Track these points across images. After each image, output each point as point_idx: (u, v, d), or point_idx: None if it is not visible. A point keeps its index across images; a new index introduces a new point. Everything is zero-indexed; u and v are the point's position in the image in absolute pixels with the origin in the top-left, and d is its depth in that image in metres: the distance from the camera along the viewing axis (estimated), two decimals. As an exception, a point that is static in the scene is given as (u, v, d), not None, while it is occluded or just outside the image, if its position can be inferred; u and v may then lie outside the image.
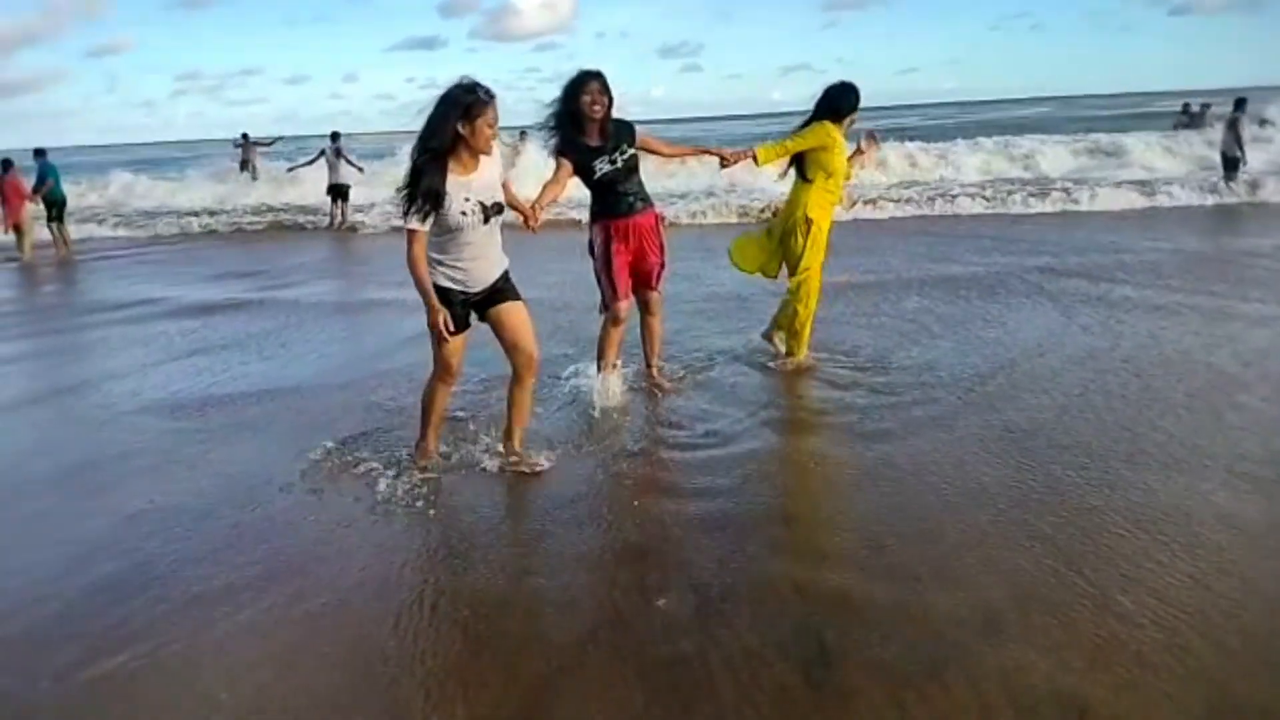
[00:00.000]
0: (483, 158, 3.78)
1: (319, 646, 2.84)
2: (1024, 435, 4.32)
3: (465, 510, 3.84)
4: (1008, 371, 5.35)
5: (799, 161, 5.40)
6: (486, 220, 3.84)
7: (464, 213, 3.75)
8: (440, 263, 3.84)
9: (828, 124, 5.28)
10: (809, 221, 5.34)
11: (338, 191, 15.54)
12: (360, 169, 15.89)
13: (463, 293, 3.92)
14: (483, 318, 4.07)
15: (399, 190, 3.73)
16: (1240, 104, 14.34)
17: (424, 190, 3.64)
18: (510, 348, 4.10)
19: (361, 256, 13.11)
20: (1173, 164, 16.76)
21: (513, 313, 4.06)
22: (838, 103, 5.32)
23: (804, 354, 5.57)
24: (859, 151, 5.69)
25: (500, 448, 4.25)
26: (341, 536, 3.60)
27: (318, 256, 12.99)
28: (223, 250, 14.21)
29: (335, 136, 15.52)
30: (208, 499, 4.03)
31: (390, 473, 4.13)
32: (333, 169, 15.46)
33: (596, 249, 4.97)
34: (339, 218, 15.55)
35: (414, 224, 3.71)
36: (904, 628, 2.79)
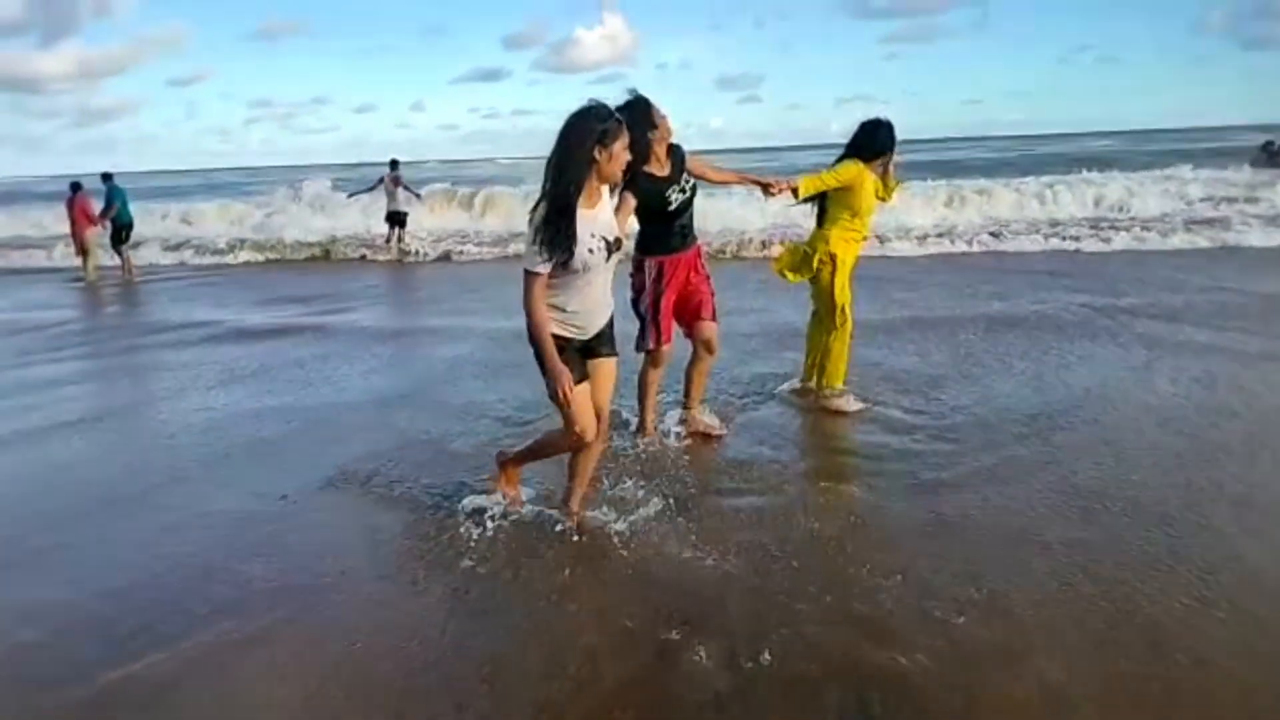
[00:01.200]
0: (604, 190, 3.51)
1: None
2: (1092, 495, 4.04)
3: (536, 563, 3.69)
4: (1069, 416, 5.07)
5: (823, 199, 5.23)
6: (608, 258, 3.49)
7: (591, 250, 3.37)
8: (554, 308, 3.44)
9: (859, 162, 5.10)
10: (833, 258, 5.19)
11: (395, 219, 15.70)
12: (419, 196, 16.05)
13: (576, 340, 3.55)
14: None
15: (533, 227, 3.29)
16: (1267, 146, 13.84)
17: (563, 232, 3.26)
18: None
19: (415, 284, 13.21)
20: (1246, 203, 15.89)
21: (606, 373, 3.73)
22: (867, 139, 5.14)
23: (840, 383, 5.43)
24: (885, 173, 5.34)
25: (566, 507, 3.92)
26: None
27: (371, 283, 13.09)
28: (281, 276, 14.41)
29: (394, 165, 15.69)
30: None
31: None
32: (391, 197, 15.63)
33: (646, 285, 4.66)
34: (395, 244, 15.72)
35: (539, 266, 3.30)
36: (956, 707, 2.56)
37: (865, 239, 5.39)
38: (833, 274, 5.21)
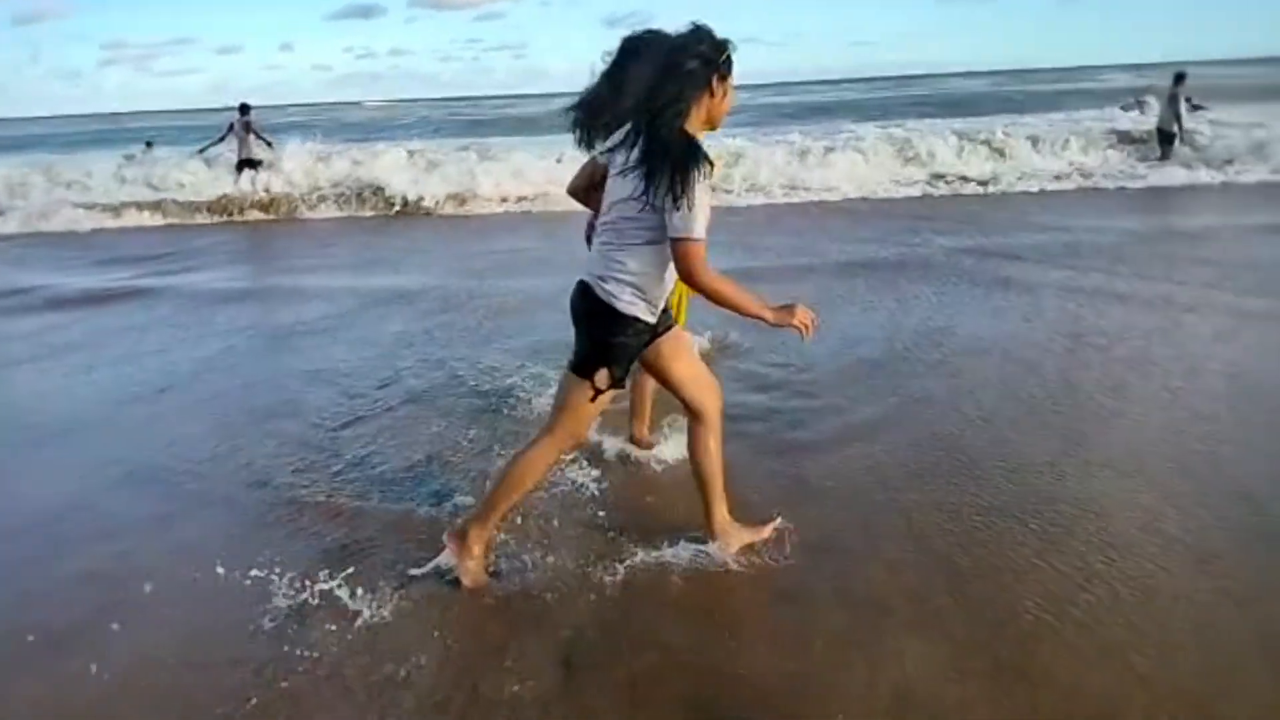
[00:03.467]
0: None
1: None
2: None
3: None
4: (932, 366, 4.91)
5: None
6: None
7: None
8: (647, 286, 2.74)
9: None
10: None
11: (248, 164, 14.64)
12: (270, 143, 15.00)
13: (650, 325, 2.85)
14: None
15: (700, 187, 2.51)
16: (1179, 78, 14.09)
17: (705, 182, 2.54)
18: (679, 384, 3.01)
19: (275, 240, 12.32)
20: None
21: (685, 340, 3.12)
22: None
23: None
24: None
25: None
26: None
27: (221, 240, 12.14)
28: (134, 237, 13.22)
29: (245, 109, 14.62)
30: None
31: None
32: (242, 143, 14.62)
33: None
34: (252, 190, 14.52)
35: (704, 231, 2.58)
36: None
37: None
38: None
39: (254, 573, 3.01)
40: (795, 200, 13.05)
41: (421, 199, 13.84)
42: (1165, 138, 14.16)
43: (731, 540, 3.07)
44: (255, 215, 13.95)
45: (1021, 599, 2.76)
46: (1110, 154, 14.96)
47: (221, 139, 15.03)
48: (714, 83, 2.62)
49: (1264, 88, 21.70)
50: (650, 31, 2.96)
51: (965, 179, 13.82)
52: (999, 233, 9.25)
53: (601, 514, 3.42)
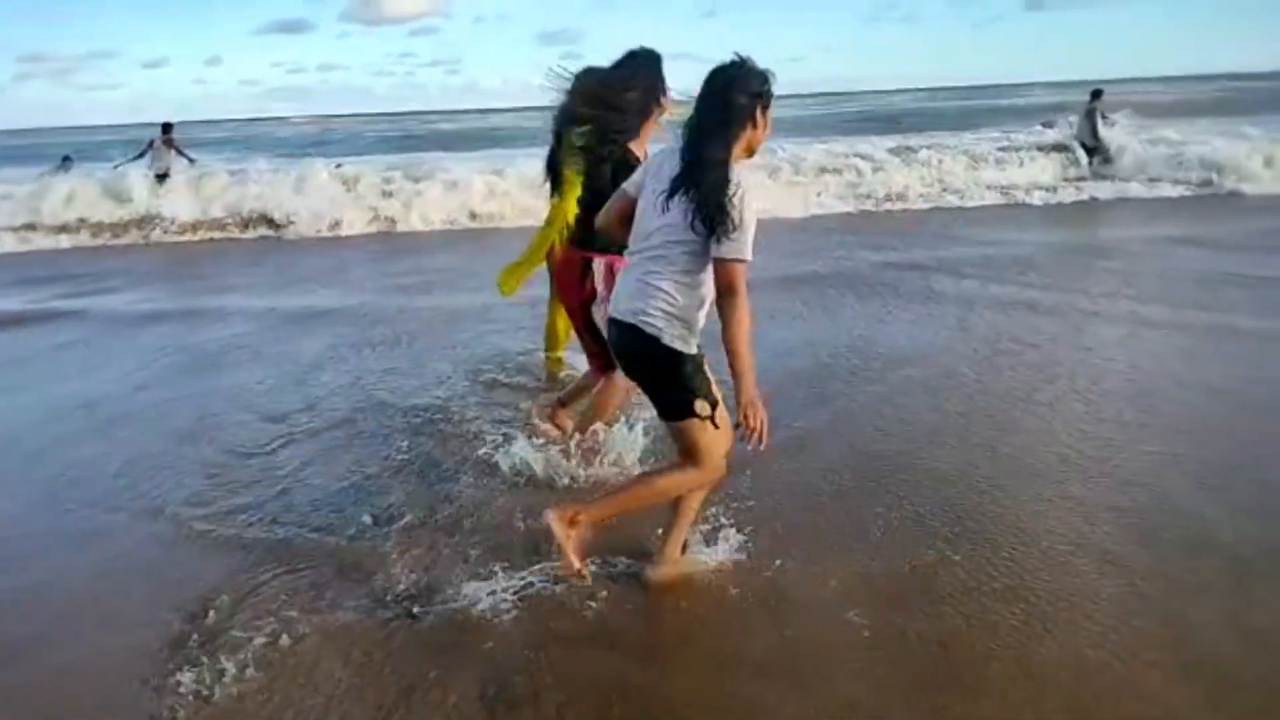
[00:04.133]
0: None
1: None
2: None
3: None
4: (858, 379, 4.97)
5: (557, 169, 4.35)
6: None
7: None
8: (691, 317, 2.73)
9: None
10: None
11: (161, 180, 14.12)
12: (192, 160, 14.66)
13: None
14: None
15: (749, 209, 2.56)
16: (1096, 94, 14.86)
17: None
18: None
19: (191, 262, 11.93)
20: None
21: None
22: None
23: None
24: None
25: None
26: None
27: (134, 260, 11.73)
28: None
29: (167, 127, 14.30)
30: None
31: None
32: (159, 158, 14.23)
33: (601, 291, 3.74)
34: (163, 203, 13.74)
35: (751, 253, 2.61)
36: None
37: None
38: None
39: (137, 608, 2.91)
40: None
41: (339, 222, 13.11)
42: (1086, 150, 14.71)
43: (671, 571, 3.02)
44: (174, 237, 13.23)
45: (940, 605, 2.80)
46: (1033, 169, 15.43)
47: (140, 155, 14.57)
48: (758, 115, 2.67)
49: (1176, 104, 22.69)
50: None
51: (893, 196, 14.06)
52: (923, 247, 9.45)
53: (519, 532, 3.36)
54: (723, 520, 3.37)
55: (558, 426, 4.12)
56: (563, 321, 4.85)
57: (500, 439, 4.18)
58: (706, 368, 2.77)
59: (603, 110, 3.58)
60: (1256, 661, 2.53)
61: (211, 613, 2.87)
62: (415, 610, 2.88)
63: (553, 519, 2.77)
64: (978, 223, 11.37)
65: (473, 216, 13.19)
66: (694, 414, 2.70)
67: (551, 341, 5.14)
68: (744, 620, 2.81)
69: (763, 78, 2.67)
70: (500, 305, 6.02)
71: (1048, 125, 18.34)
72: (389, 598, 2.96)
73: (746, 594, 2.93)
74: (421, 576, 3.07)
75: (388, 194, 13.67)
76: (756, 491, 3.65)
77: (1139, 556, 3.08)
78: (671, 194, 2.63)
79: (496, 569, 3.08)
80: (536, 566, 3.07)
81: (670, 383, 2.72)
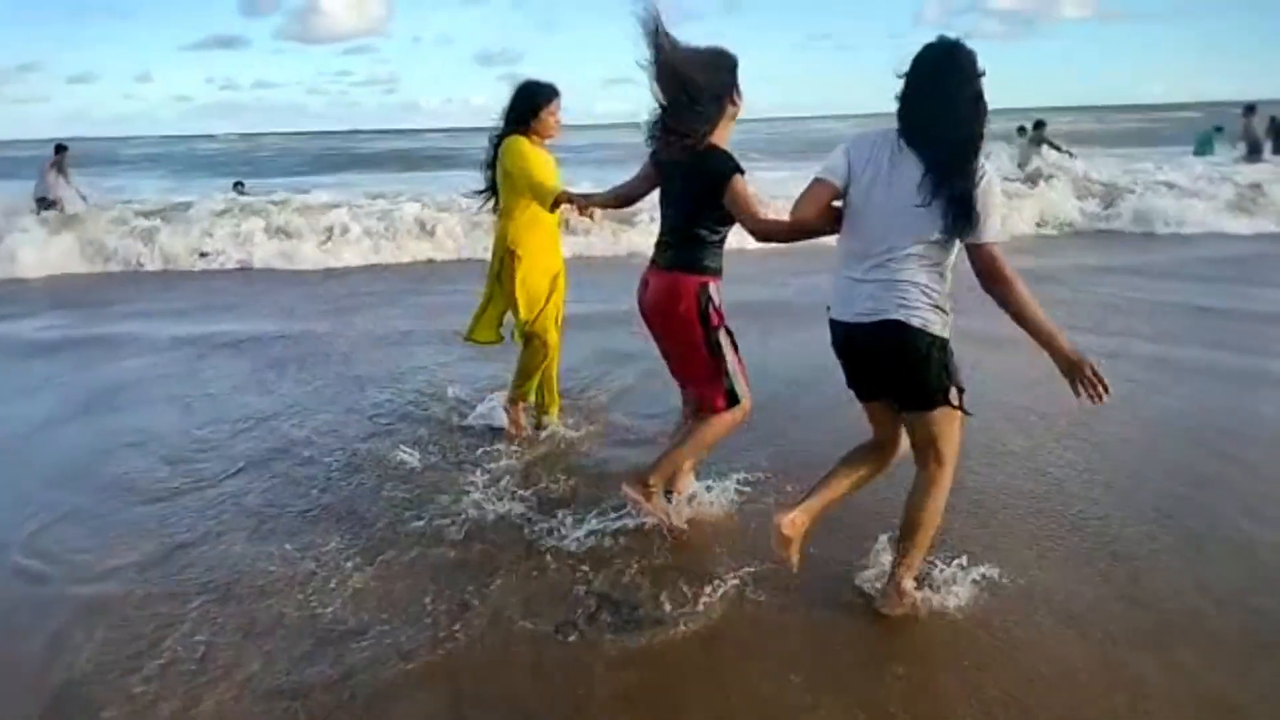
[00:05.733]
0: None
1: None
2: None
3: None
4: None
5: (494, 188, 4.30)
6: None
7: None
8: (945, 299, 2.70)
9: (520, 136, 4.11)
10: (514, 256, 4.19)
11: (45, 206, 12.72)
12: (84, 198, 13.19)
13: None
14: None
15: (978, 195, 2.52)
16: (1039, 125, 15.85)
17: None
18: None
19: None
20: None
21: None
22: (524, 103, 4.14)
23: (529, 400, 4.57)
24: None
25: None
26: None
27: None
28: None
29: (59, 149, 13.32)
30: None
31: None
32: (43, 184, 12.96)
33: (724, 317, 3.38)
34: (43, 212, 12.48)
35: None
36: None
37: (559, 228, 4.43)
38: (515, 277, 4.21)
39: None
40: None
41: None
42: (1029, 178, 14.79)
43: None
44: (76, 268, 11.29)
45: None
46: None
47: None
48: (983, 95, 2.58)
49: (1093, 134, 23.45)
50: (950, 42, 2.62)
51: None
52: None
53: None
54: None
55: (677, 491, 3.57)
56: (493, 310, 4.41)
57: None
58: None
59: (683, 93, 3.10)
60: None
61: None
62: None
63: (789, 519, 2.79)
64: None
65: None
66: (947, 401, 2.67)
67: (485, 332, 4.50)
68: (676, 664, 2.49)
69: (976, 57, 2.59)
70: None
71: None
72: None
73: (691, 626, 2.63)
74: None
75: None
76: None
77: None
78: (926, 189, 2.53)
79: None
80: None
81: (928, 372, 2.66)
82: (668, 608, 2.91)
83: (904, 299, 2.60)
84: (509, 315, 4.41)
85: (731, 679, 2.59)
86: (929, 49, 2.57)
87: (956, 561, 3.04)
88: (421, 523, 3.58)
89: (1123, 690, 2.49)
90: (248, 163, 30.76)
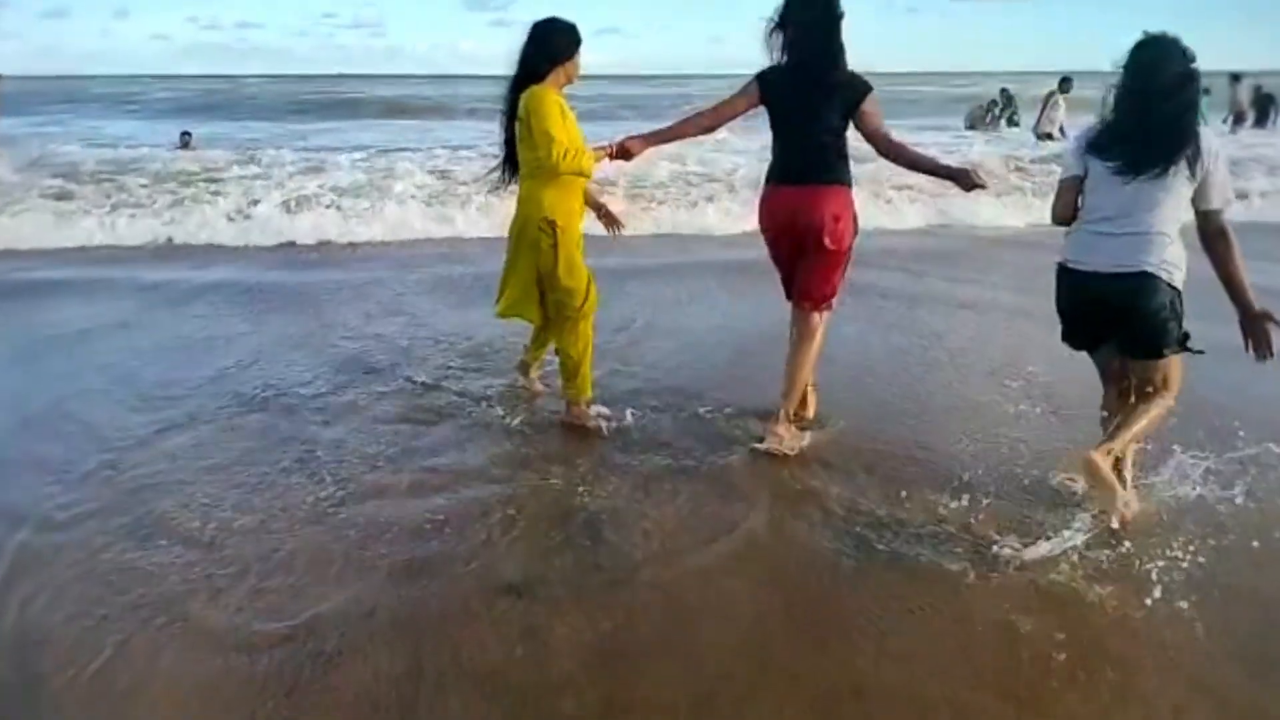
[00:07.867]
0: None
1: None
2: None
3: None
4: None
5: (511, 148, 3.87)
6: None
7: None
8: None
9: (548, 91, 3.68)
10: (552, 225, 3.72)
11: None
12: None
13: None
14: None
15: (1210, 167, 2.92)
16: (1065, 82, 14.72)
17: None
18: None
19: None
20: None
21: None
22: (543, 47, 3.74)
23: (589, 393, 4.07)
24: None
25: None
26: None
27: None
28: None
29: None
30: None
31: None
32: None
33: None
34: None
35: None
36: None
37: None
38: (555, 247, 3.75)
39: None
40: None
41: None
42: (1041, 137, 14.62)
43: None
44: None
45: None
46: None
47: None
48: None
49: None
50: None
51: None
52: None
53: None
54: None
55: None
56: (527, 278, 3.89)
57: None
58: None
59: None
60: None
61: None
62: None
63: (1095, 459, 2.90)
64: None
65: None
66: (1186, 346, 2.99)
67: (527, 308, 3.99)
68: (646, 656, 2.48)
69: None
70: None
71: (971, 127, 17.98)
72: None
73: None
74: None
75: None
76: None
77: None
78: (1165, 169, 2.87)
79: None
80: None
81: (1169, 320, 2.96)
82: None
83: (1152, 254, 2.91)
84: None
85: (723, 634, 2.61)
86: (1144, 48, 2.93)
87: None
88: (396, 477, 3.55)
89: None
90: (224, 105, 29.80)
